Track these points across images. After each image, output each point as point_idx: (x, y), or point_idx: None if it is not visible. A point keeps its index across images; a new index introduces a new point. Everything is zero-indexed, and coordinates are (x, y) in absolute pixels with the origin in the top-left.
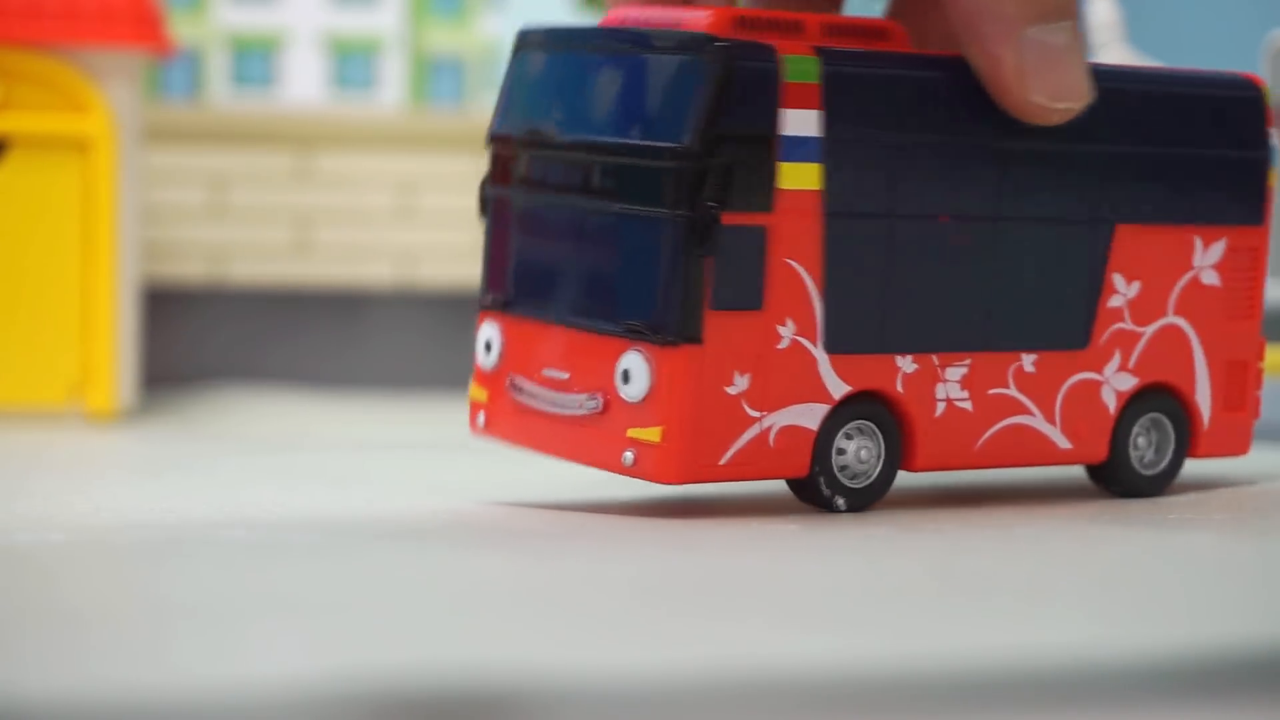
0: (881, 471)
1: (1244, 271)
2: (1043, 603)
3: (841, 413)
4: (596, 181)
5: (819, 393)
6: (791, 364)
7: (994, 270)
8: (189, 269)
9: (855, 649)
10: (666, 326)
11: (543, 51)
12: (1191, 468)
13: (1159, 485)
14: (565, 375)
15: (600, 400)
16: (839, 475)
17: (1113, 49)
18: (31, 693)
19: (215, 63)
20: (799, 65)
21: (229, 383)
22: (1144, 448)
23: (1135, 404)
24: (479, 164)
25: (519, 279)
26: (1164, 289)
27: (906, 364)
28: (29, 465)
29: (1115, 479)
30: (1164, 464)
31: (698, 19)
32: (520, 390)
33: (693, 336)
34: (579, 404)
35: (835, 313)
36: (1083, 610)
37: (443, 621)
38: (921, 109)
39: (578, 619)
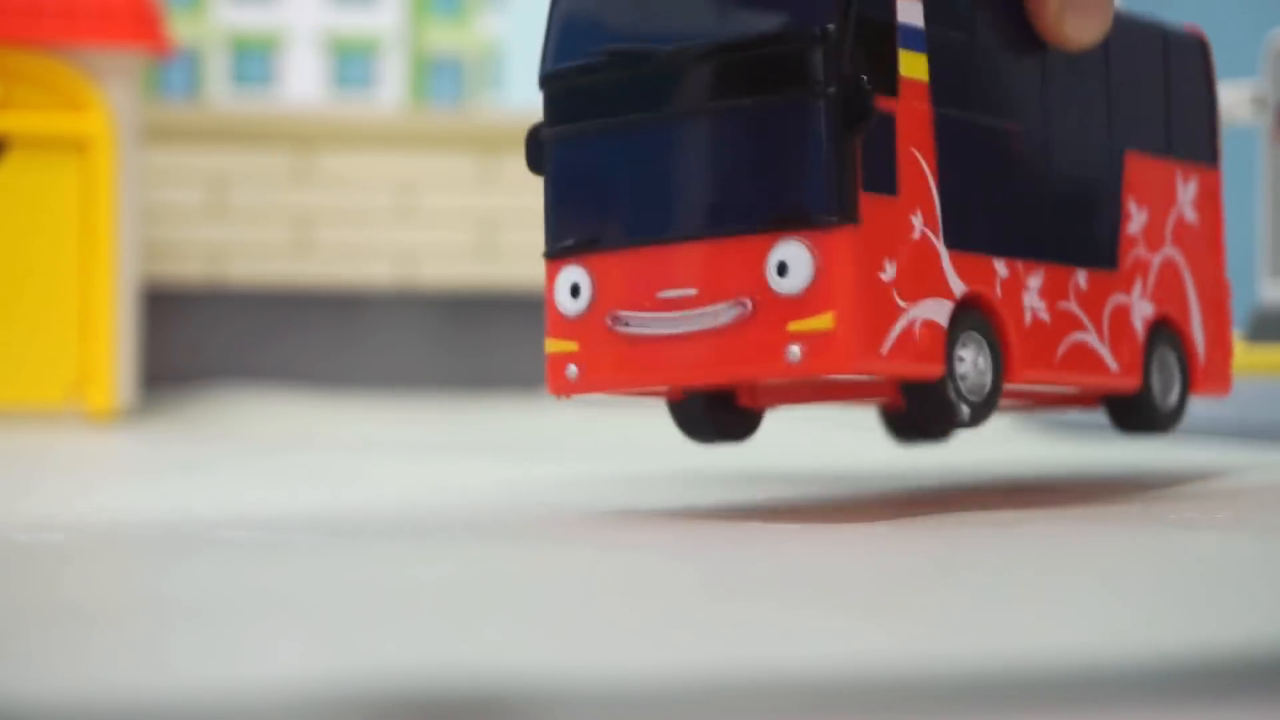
0: (993, 382)
1: (1210, 213)
2: (1043, 602)
3: (958, 315)
4: (720, 80)
5: (945, 288)
6: (924, 255)
7: (1049, 182)
8: (189, 269)
9: (855, 649)
10: (827, 208)
11: None
12: (1191, 467)
13: (1173, 422)
14: (693, 291)
15: (747, 303)
16: (960, 383)
17: None
18: (32, 693)
19: (215, 62)
20: None
21: (229, 383)
22: (1158, 382)
23: (1153, 334)
24: (479, 163)
25: (608, 212)
26: (1161, 220)
27: (1001, 268)
28: (29, 465)
29: (1141, 413)
30: (1173, 400)
31: None
32: (629, 324)
33: (853, 217)
34: (717, 314)
35: (947, 208)
36: (1084, 610)
37: (443, 621)
38: (996, 19)
39: (578, 619)
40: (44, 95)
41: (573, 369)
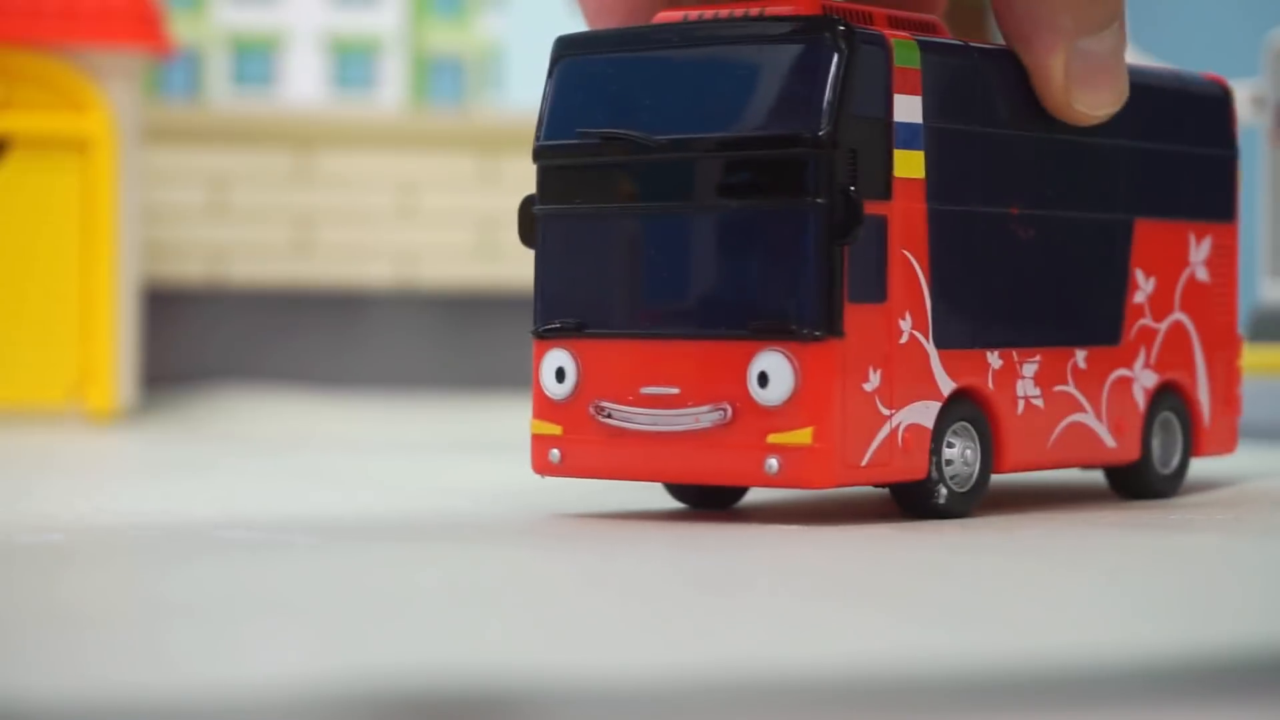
0: (980, 473)
1: (1225, 269)
2: (1044, 603)
3: (947, 412)
4: (711, 178)
5: (933, 390)
6: (911, 360)
7: (1051, 263)
8: (189, 269)
9: (854, 649)
10: (811, 321)
11: (599, 56)
12: (1190, 468)
13: (1173, 486)
14: (675, 390)
15: (728, 409)
16: (946, 476)
17: None
18: (31, 693)
19: (215, 63)
20: (904, 50)
21: (229, 383)
22: (1159, 447)
23: (1155, 402)
24: (479, 163)
25: (597, 298)
26: (1170, 285)
27: (994, 360)
28: (30, 465)
29: (1139, 480)
30: (1174, 464)
31: (782, 6)
32: (612, 416)
33: (837, 330)
34: (698, 417)
35: (939, 307)
36: (1085, 611)
37: (443, 621)
38: (998, 100)
39: (577, 619)
40: (44, 95)
41: (556, 453)
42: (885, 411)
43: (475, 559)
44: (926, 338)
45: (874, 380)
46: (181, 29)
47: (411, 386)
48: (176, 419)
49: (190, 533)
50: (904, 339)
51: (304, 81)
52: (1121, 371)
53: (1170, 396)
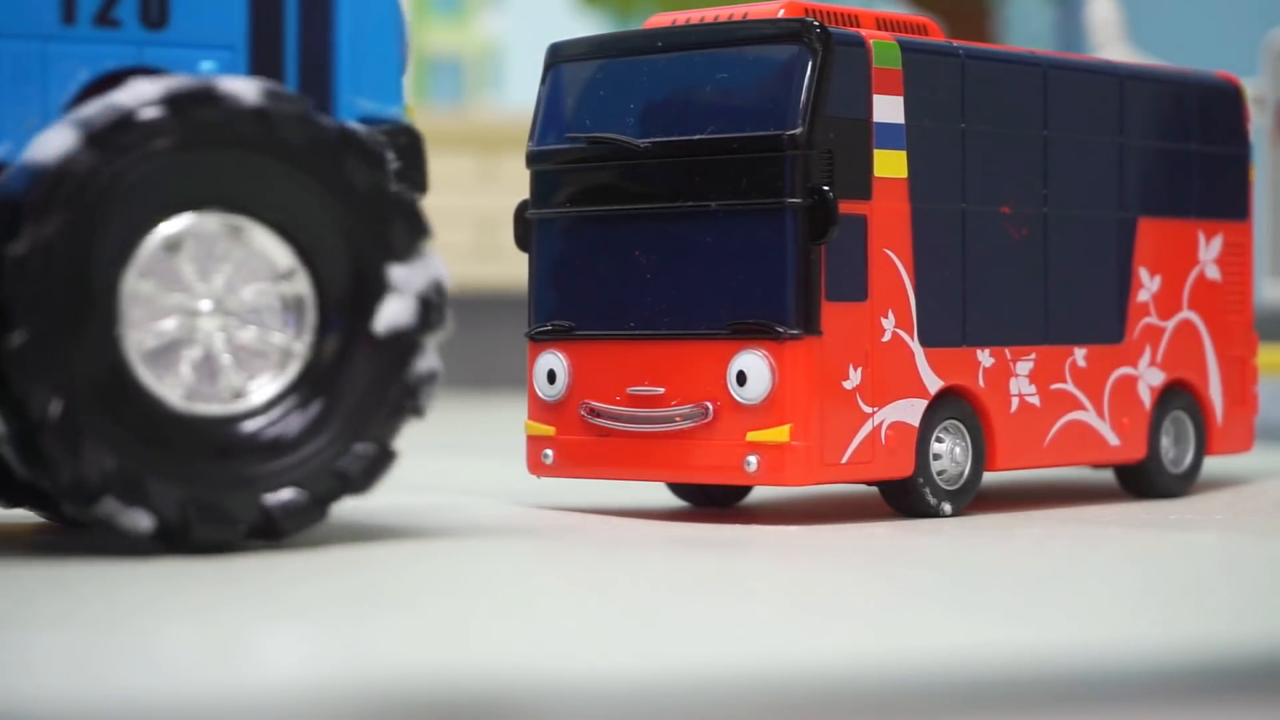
0: (972, 470)
1: (1237, 267)
2: (1044, 603)
3: (935, 410)
4: (691, 181)
5: (918, 388)
6: (894, 358)
7: (1048, 262)
8: None
9: (856, 649)
10: (787, 320)
11: (588, 61)
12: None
13: (1184, 485)
14: (659, 390)
15: (708, 409)
16: (937, 478)
17: (1113, 48)
18: (31, 695)
19: None
20: (884, 51)
21: None
22: (1168, 446)
23: (1163, 401)
24: (479, 163)
25: (586, 300)
26: (1178, 283)
27: (985, 358)
28: None
29: (1149, 479)
30: (1187, 463)
31: (767, 9)
32: (600, 415)
33: (814, 329)
34: (680, 417)
35: (925, 305)
36: (1083, 610)
37: (443, 621)
38: (987, 100)
39: (578, 619)
40: None
41: (548, 454)
42: (866, 409)
43: (475, 559)
44: (911, 336)
45: (854, 378)
46: None
47: None
48: None
49: None
50: (886, 337)
51: None
52: (1125, 370)
53: (1180, 395)
